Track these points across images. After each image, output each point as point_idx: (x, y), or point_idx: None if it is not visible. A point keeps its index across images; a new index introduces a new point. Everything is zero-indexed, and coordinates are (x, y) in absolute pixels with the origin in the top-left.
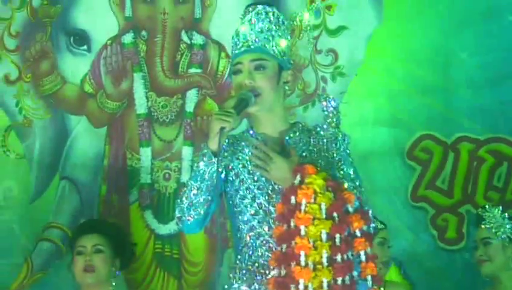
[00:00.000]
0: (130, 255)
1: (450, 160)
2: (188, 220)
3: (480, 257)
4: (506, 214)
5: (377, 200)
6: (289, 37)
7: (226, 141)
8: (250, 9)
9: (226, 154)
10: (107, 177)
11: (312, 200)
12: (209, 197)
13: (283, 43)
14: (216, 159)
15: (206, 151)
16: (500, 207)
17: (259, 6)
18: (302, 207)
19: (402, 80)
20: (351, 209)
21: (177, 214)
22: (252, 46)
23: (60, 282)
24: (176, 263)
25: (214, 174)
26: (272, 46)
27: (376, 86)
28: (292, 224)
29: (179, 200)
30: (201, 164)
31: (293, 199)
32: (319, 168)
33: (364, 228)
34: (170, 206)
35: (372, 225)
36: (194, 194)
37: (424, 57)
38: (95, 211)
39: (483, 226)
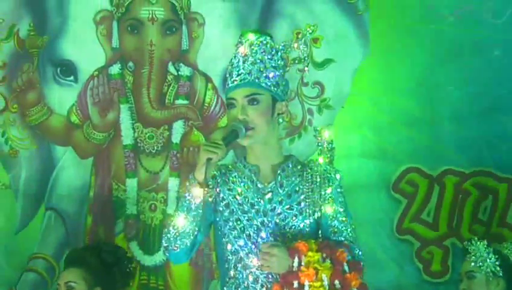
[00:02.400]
0: (125, 274)
1: (435, 193)
2: (175, 249)
3: None
4: (492, 248)
5: (362, 233)
6: (284, 67)
7: (218, 171)
8: (244, 39)
9: (217, 183)
10: (92, 208)
11: (314, 278)
12: (196, 228)
13: (274, 74)
14: (202, 190)
15: (193, 182)
16: (485, 241)
17: (253, 37)
18: (306, 289)
19: (388, 113)
20: (347, 269)
21: (164, 243)
22: (245, 80)
23: None
24: None
25: (201, 205)
26: (265, 78)
27: (362, 119)
28: None
29: (165, 230)
30: (188, 194)
31: (295, 284)
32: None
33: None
34: (156, 237)
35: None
36: (180, 225)
37: (410, 90)
38: (81, 241)
39: (468, 260)
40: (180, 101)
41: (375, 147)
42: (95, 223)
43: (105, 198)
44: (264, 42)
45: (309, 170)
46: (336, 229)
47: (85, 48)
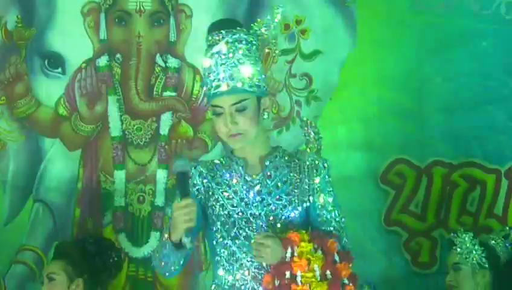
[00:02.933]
0: (109, 265)
1: (423, 184)
2: (165, 274)
3: (450, 282)
4: (478, 239)
5: (351, 224)
6: (260, 57)
7: (205, 167)
8: (217, 37)
9: (205, 179)
10: (81, 200)
11: (306, 268)
12: (181, 259)
13: (256, 71)
14: (178, 249)
15: (167, 244)
16: (471, 233)
17: (227, 35)
18: (298, 279)
19: (376, 104)
20: (337, 259)
21: (155, 266)
22: (230, 87)
23: None
24: (149, 286)
25: (179, 255)
26: (249, 80)
27: (350, 110)
28: None
29: (153, 253)
30: (165, 250)
31: (288, 274)
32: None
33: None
34: (144, 229)
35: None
36: (164, 262)
37: (398, 82)
38: (69, 234)
39: (454, 251)
40: (168, 93)
41: (363, 139)
42: (83, 215)
43: (93, 190)
44: (240, 39)
45: (297, 160)
46: (324, 219)
47: (73, 39)
